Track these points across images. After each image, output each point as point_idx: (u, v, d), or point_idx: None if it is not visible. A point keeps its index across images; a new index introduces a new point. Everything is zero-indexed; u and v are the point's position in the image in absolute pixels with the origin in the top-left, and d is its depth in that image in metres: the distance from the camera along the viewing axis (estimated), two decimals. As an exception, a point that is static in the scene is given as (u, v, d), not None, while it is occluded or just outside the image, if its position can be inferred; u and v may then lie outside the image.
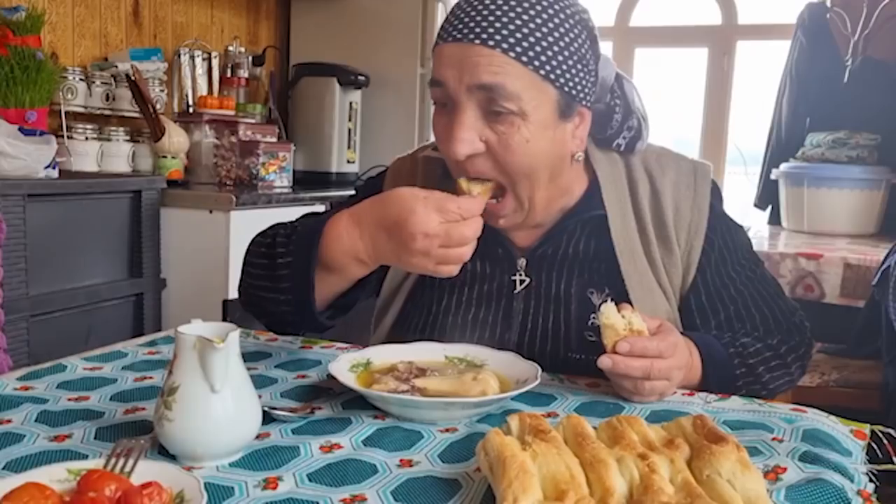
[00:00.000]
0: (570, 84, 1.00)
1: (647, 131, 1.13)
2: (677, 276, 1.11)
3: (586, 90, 1.03)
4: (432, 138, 1.12)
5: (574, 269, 1.10)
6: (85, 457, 0.74)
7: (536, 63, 0.97)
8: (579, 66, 1.01)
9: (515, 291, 1.11)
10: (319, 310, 1.05)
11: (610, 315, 0.91)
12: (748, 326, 1.12)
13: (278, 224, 1.16)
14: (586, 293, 1.09)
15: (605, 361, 0.90)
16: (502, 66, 0.96)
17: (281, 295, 1.04)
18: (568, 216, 1.11)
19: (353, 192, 1.31)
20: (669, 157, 1.15)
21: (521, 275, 1.11)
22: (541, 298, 1.10)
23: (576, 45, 1.00)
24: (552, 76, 0.98)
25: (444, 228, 0.92)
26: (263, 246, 1.09)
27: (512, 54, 0.96)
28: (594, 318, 1.06)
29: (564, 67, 0.99)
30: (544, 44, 0.97)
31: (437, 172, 1.13)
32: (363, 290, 1.12)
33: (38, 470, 0.66)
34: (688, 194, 1.11)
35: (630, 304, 1.00)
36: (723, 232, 1.14)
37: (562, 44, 0.98)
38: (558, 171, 1.06)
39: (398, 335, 1.15)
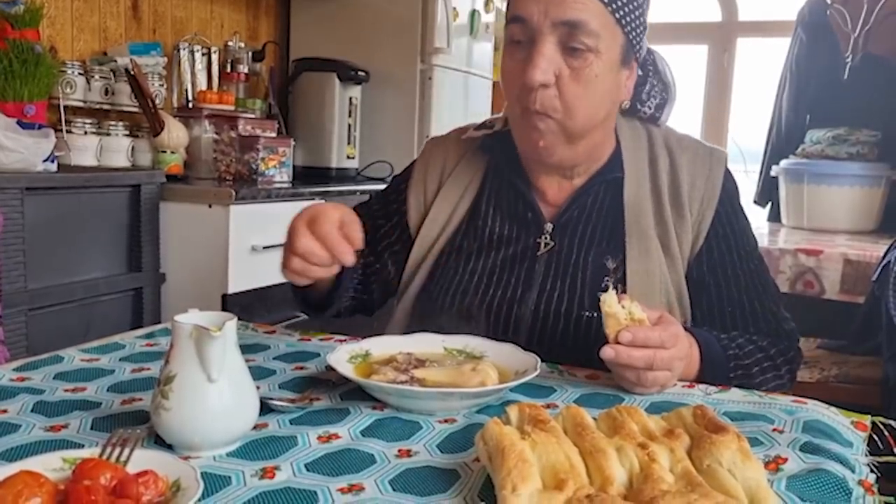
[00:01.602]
0: (634, 32, 1.09)
1: (675, 96, 1.20)
2: (687, 242, 1.14)
3: (640, 44, 1.12)
4: (432, 132, 1.17)
5: (595, 236, 1.15)
6: (81, 447, 0.73)
7: (614, 5, 1.05)
8: (641, 19, 1.10)
9: (539, 253, 1.15)
10: (317, 300, 1.16)
11: (612, 304, 0.91)
12: (737, 314, 1.14)
13: None
14: (603, 260, 1.13)
15: (607, 352, 0.89)
16: (586, 3, 1.04)
17: None
18: (594, 177, 1.18)
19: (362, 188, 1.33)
20: (690, 139, 1.22)
21: (546, 238, 1.16)
22: (561, 262, 1.14)
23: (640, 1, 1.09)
24: (623, 21, 1.07)
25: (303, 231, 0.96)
26: None
27: None
28: (608, 279, 1.11)
29: (633, 16, 1.08)
30: None
31: (469, 150, 1.24)
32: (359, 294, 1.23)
33: (32, 459, 0.66)
34: (703, 171, 1.17)
35: (624, 262, 1.09)
36: (730, 214, 1.17)
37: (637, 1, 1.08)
38: (610, 115, 1.13)
39: (426, 299, 1.18)
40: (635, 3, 1.08)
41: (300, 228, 0.96)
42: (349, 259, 0.96)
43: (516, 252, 1.16)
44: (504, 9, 1.19)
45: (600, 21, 1.04)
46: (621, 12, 1.06)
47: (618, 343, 0.90)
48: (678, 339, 0.93)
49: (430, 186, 1.25)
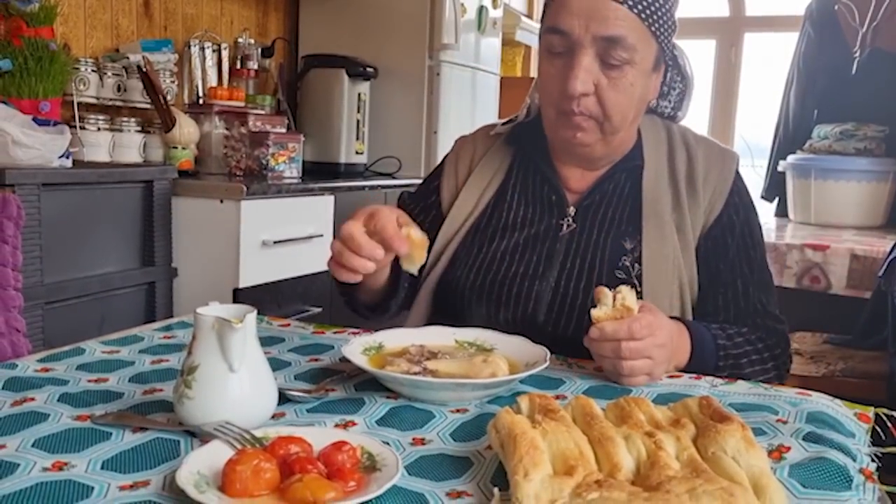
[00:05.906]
0: (665, 42, 1.16)
1: (693, 89, 1.29)
2: (699, 226, 1.20)
3: (668, 49, 1.19)
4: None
5: (615, 219, 1.21)
6: (109, 435, 0.76)
7: (651, 20, 1.11)
8: (671, 24, 1.16)
9: (560, 234, 1.21)
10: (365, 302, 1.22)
11: (606, 300, 0.96)
12: (729, 294, 1.18)
13: None
14: (621, 241, 1.18)
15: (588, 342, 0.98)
16: (625, 19, 1.09)
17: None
18: (616, 166, 1.24)
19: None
20: (705, 138, 1.29)
21: (568, 220, 1.22)
22: (581, 242, 1.20)
23: (670, 4, 1.14)
24: (658, 32, 1.13)
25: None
26: None
27: (635, 10, 1.10)
28: (625, 258, 1.17)
29: (666, 25, 1.14)
30: (659, 2, 1.12)
31: (497, 142, 1.31)
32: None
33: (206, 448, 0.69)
34: (717, 164, 1.23)
35: (640, 243, 1.15)
36: (738, 205, 1.22)
37: (668, 5, 1.14)
38: (640, 113, 1.21)
39: (449, 278, 1.23)
40: (668, 13, 1.14)
41: (352, 219, 0.99)
42: (404, 249, 0.98)
43: (538, 232, 1.22)
44: (540, 16, 1.24)
45: (637, 35, 1.10)
46: (656, 25, 1.12)
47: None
48: (653, 327, 0.96)
49: (461, 175, 1.31)
